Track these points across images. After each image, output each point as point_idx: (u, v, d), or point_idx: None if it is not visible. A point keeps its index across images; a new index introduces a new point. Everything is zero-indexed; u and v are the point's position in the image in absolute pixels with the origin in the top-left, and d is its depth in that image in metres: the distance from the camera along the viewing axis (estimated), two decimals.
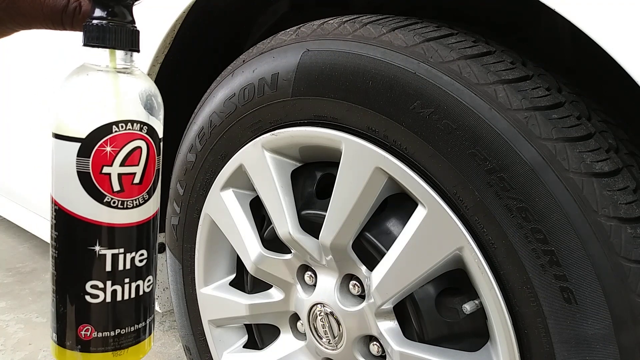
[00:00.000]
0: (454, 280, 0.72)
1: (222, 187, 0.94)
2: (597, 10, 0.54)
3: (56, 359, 0.52)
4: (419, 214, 0.69)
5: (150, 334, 0.55)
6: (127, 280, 0.51)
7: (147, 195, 0.51)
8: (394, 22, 0.72)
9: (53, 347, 0.52)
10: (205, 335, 1.07)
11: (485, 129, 0.61)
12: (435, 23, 0.71)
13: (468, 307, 0.69)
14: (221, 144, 0.92)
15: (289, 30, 0.83)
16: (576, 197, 0.57)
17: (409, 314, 0.75)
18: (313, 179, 0.88)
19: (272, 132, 0.83)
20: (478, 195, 0.62)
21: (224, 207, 0.94)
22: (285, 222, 0.84)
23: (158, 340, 1.67)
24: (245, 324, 1.06)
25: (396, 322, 0.77)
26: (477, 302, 0.70)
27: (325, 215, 0.79)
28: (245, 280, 1.03)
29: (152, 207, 0.52)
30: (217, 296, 1.02)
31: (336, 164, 0.76)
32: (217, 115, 0.91)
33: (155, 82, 1.07)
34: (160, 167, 0.53)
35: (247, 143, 0.88)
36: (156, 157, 0.51)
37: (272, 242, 0.92)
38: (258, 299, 0.96)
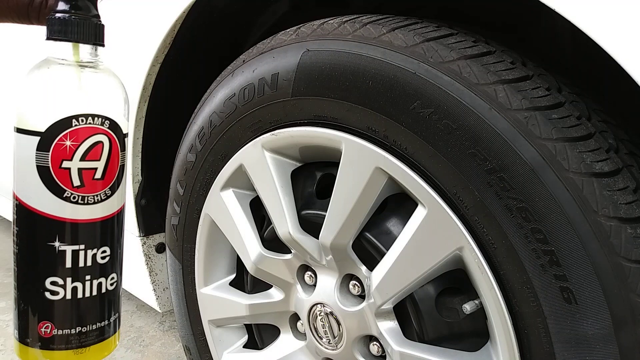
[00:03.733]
0: (454, 280, 0.72)
1: (222, 187, 0.94)
2: (597, 10, 0.54)
3: (18, 357, 0.51)
4: (419, 214, 0.69)
5: (115, 332, 0.54)
6: (88, 277, 0.50)
7: (109, 191, 0.50)
8: (394, 22, 0.72)
9: (15, 345, 0.51)
10: (205, 335, 1.07)
11: (485, 129, 0.61)
12: (435, 23, 0.71)
13: (468, 307, 0.69)
14: (221, 144, 0.92)
15: (289, 30, 0.83)
16: (576, 197, 0.57)
17: (409, 314, 0.75)
18: (313, 179, 0.88)
19: (272, 132, 0.83)
20: (478, 195, 0.62)
21: (224, 207, 0.94)
22: (285, 222, 0.84)
23: (158, 341, 1.68)
24: (245, 324, 1.06)
25: (396, 322, 0.77)
26: (477, 302, 0.70)
27: (325, 215, 0.79)
28: (245, 280, 1.03)
29: (116, 203, 0.51)
30: (217, 296, 1.02)
31: (336, 164, 0.76)
32: (217, 115, 0.91)
33: (155, 82, 1.07)
34: (126, 162, 0.52)
35: (247, 143, 0.88)
36: (120, 153, 0.50)
37: (272, 242, 0.92)
38: (258, 299, 0.96)
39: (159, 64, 1.05)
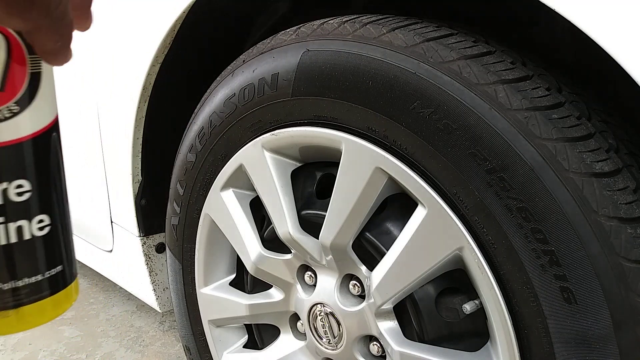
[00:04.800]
0: (454, 280, 0.73)
1: (222, 187, 0.94)
2: (597, 10, 0.54)
3: None
4: (419, 214, 0.69)
5: (57, 290, 0.43)
6: (0, 219, 0.39)
7: (16, 107, 0.38)
8: (394, 22, 0.72)
9: None
10: (205, 335, 1.07)
11: (486, 129, 0.61)
12: (435, 23, 0.71)
13: (468, 307, 0.69)
14: (221, 144, 0.92)
15: (289, 30, 0.83)
16: (576, 197, 0.57)
17: (409, 314, 0.75)
18: (313, 179, 0.88)
19: (272, 132, 0.83)
20: (478, 195, 0.62)
21: (224, 207, 0.94)
22: (285, 222, 0.84)
23: (158, 341, 1.67)
24: (245, 324, 1.06)
25: (396, 322, 0.77)
26: (477, 302, 0.70)
27: (325, 215, 0.79)
28: (245, 280, 1.03)
29: (29, 122, 0.39)
30: (217, 296, 1.02)
31: (336, 164, 0.76)
32: (217, 115, 0.91)
33: (155, 82, 1.07)
34: (47, 70, 0.40)
35: (247, 143, 0.88)
36: (28, 56, 0.39)
37: (272, 242, 0.92)
38: (258, 299, 0.96)
39: (159, 64, 1.05)
